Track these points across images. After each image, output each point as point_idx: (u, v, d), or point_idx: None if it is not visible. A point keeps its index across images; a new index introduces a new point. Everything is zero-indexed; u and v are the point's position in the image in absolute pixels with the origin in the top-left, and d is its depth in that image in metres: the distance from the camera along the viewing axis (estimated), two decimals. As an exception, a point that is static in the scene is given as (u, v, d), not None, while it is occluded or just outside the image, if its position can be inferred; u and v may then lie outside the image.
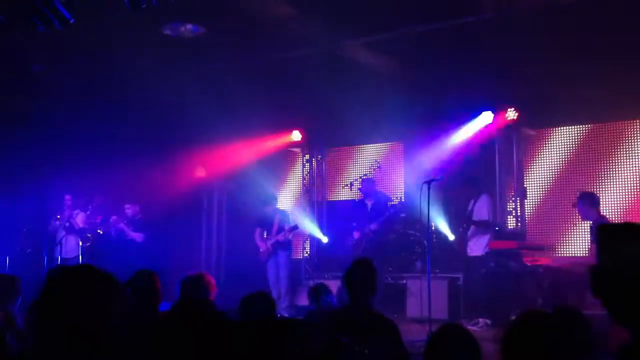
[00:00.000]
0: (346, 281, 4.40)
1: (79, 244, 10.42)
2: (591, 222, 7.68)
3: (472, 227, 8.68)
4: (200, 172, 12.37)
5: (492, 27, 7.75)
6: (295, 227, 9.94)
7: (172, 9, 7.22)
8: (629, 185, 9.43)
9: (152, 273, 4.58)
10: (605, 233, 2.28)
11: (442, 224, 9.53)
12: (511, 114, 9.66)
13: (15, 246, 10.74)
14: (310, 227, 11.16)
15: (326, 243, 11.33)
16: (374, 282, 4.37)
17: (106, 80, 9.77)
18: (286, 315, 9.67)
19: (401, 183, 11.32)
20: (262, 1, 7.50)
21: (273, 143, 11.66)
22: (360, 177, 10.41)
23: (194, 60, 9.38)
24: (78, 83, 9.66)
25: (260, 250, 10.03)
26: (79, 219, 10.66)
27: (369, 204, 9.75)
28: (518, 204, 9.94)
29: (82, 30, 7.55)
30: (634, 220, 8.87)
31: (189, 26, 8.04)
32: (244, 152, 11.47)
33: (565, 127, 10.08)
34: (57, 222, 10.58)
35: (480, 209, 8.66)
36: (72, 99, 10.09)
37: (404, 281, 9.60)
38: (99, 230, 10.67)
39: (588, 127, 9.94)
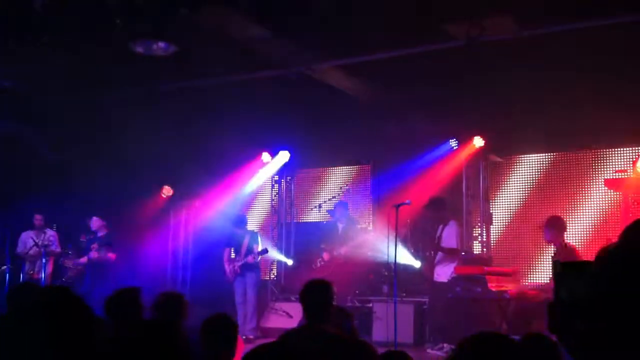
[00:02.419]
0: (302, 302, 4.31)
1: (47, 263, 10.19)
2: (555, 247, 7.78)
3: (440, 254, 8.72)
4: (167, 192, 12.26)
5: (461, 55, 7.87)
6: (265, 251, 9.89)
7: (144, 26, 7.19)
8: (593, 212, 9.59)
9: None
10: (560, 268, 2.30)
11: (409, 250, 9.56)
12: (478, 142, 9.79)
13: None
14: (275, 252, 11.11)
15: (293, 265, 11.28)
16: (330, 303, 4.28)
17: (76, 95, 9.65)
18: (252, 337, 9.58)
19: (369, 206, 11.35)
20: (235, 21, 7.51)
21: (244, 165, 11.62)
22: (331, 201, 10.42)
23: (165, 78, 9.33)
24: (48, 98, 9.53)
25: (227, 272, 9.93)
26: (53, 239, 10.48)
27: (340, 226, 9.75)
28: (484, 229, 10.04)
29: (53, 46, 7.48)
30: (597, 247, 9.03)
31: (161, 44, 8.00)
32: (215, 173, 11.41)
33: (531, 155, 10.24)
34: (32, 243, 10.29)
35: (449, 236, 8.72)
36: (41, 120, 9.96)
37: (370, 304, 9.59)
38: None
39: (553, 155, 10.11)
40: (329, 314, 4.26)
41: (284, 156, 11.36)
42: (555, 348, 2.56)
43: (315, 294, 4.29)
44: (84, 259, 10.39)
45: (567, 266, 2.31)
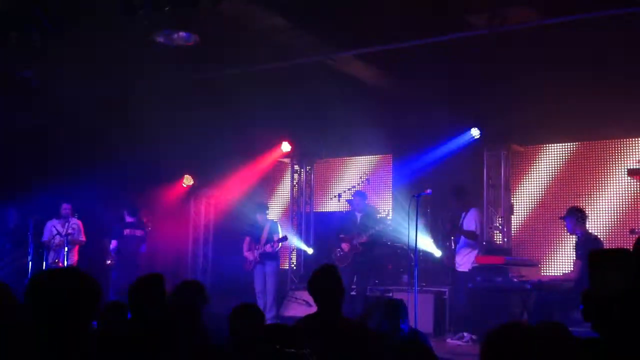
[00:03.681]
0: (312, 289, 4.30)
1: (70, 252, 10.31)
2: (577, 237, 7.73)
3: (462, 241, 8.68)
4: (188, 181, 12.35)
5: (483, 43, 7.82)
6: (284, 239, 9.91)
7: (165, 17, 7.23)
8: (616, 202, 9.50)
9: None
10: (596, 259, 2.30)
11: (429, 238, 9.54)
12: (499, 131, 9.72)
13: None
14: (295, 239, 11.14)
15: (313, 254, 11.31)
16: (341, 288, 4.25)
17: (98, 88, 9.74)
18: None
19: (389, 196, 11.34)
20: (255, 12, 7.52)
21: (264, 154, 11.67)
22: (350, 190, 10.41)
23: (186, 69, 9.38)
24: (71, 91, 9.62)
25: (248, 260, 9.99)
26: (77, 228, 10.60)
27: (359, 216, 9.75)
28: (505, 219, 9.99)
29: (74, 38, 7.54)
30: (619, 237, 8.96)
31: (182, 34, 8.04)
32: (235, 162, 11.47)
33: (553, 145, 10.16)
34: (56, 232, 10.40)
35: (469, 222, 8.69)
36: (65, 105, 10.04)
37: (391, 294, 9.58)
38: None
39: (576, 145, 10.02)
40: (339, 300, 4.22)
41: (303, 146, 11.37)
42: (571, 338, 2.56)
43: (328, 281, 4.27)
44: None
45: (602, 256, 2.31)
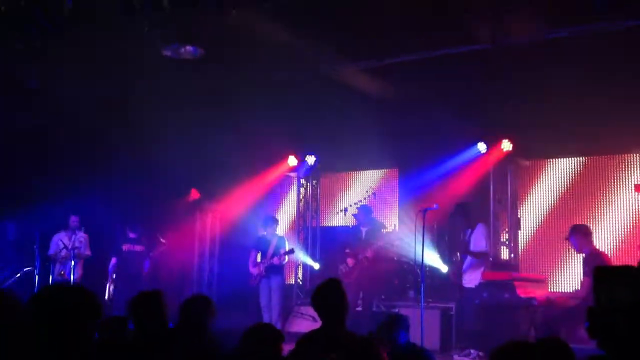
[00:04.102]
0: (315, 304, 4.26)
1: (76, 266, 10.27)
2: (584, 254, 7.66)
3: (469, 258, 8.61)
4: (194, 195, 12.35)
5: (487, 57, 7.81)
6: (292, 251, 9.89)
7: (171, 30, 7.26)
8: (623, 217, 9.44)
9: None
10: (603, 275, 2.27)
11: (436, 253, 9.49)
12: (506, 145, 9.69)
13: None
14: (301, 254, 11.11)
15: (319, 269, 11.26)
16: (345, 303, 4.21)
17: (105, 102, 9.76)
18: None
19: (395, 211, 11.30)
20: (260, 24, 7.54)
21: (270, 168, 11.66)
22: (356, 204, 10.39)
23: (193, 82, 9.40)
24: (72, 94, 9.63)
25: (252, 275, 9.93)
26: (83, 241, 10.55)
27: (364, 230, 9.71)
28: (512, 234, 9.92)
29: (75, 39, 7.55)
30: (627, 253, 8.88)
31: (189, 48, 8.07)
32: (241, 176, 11.47)
33: (560, 159, 10.11)
34: (62, 245, 10.36)
35: (478, 239, 8.60)
36: (66, 108, 10.05)
37: (397, 310, 9.52)
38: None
39: (583, 159, 9.97)
40: (344, 314, 4.18)
41: (309, 160, 11.37)
42: (572, 355, 2.52)
43: (325, 297, 4.24)
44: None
45: (608, 272, 2.28)
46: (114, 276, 10.34)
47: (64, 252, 10.29)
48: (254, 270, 9.95)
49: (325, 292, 4.26)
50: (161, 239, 10.70)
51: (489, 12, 7.06)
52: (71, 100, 9.51)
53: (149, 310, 4.31)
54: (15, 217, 11.06)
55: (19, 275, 10.40)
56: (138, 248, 10.40)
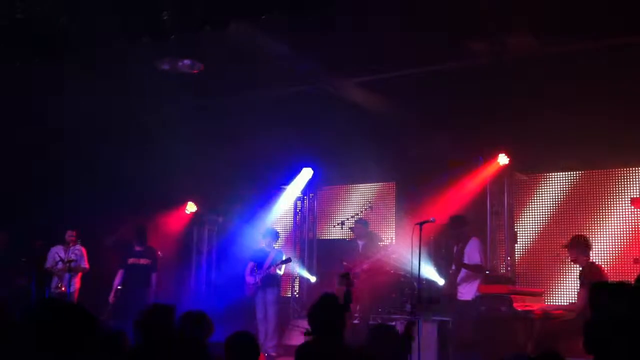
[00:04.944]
0: (311, 321, 4.25)
1: (73, 279, 10.23)
2: (580, 266, 7.68)
3: (463, 271, 8.63)
4: (191, 207, 12.34)
5: (485, 72, 7.86)
6: (289, 260, 9.88)
7: (169, 44, 7.29)
8: (619, 231, 9.45)
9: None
10: (598, 291, 2.30)
11: (432, 267, 9.48)
12: (503, 159, 9.72)
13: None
14: (298, 267, 11.09)
15: (315, 282, 11.25)
16: (342, 319, 4.20)
17: (102, 115, 9.79)
18: (274, 354, 9.55)
19: (392, 224, 11.31)
20: (259, 39, 7.58)
21: (267, 180, 11.67)
22: (353, 218, 10.39)
23: (191, 96, 9.44)
24: (75, 117, 9.68)
25: (249, 284, 9.93)
26: (80, 255, 10.50)
27: (361, 243, 9.71)
28: (509, 248, 9.93)
29: (79, 64, 7.60)
30: (623, 267, 8.89)
31: (186, 61, 8.11)
32: (238, 188, 11.48)
33: (556, 173, 10.14)
34: (58, 258, 10.31)
35: (472, 253, 8.63)
36: (65, 135, 10.10)
37: (394, 323, 9.49)
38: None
39: (579, 174, 10.00)
40: (340, 330, 4.17)
41: (307, 173, 11.38)
42: None
43: (320, 313, 4.24)
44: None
45: (604, 287, 2.30)
46: (119, 288, 10.27)
47: (60, 265, 10.26)
48: (250, 279, 9.95)
49: (321, 309, 4.25)
50: (157, 252, 10.66)
51: (487, 29, 7.12)
52: (69, 115, 9.56)
53: (160, 322, 4.26)
54: (13, 230, 11.01)
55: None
56: (143, 261, 10.30)
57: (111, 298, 10.08)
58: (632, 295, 2.15)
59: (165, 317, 4.35)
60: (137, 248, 10.35)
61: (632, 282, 2.38)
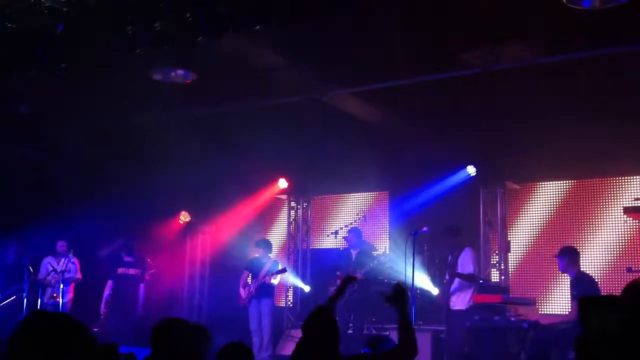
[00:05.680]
0: (305, 335, 4.23)
1: (66, 289, 10.19)
2: (570, 276, 7.70)
3: (457, 280, 8.64)
4: (184, 217, 12.33)
5: (479, 81, 7.88)
6: (284, 270, 9.85)
7: (163, 55, 7.29)
8: (612, 240, 9.48)
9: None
10: (589, 305, 2.30)
11: (426, 276, 9.48)
12: (495, 169, 9.75)
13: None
14: (291, 277, 11.06)
15: (309, 291, 11.23)
16: (335, 333, 4.20)
17: (95, 124, 9.78)
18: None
19: (386, 233, 11.31)
20: (252, 49, 7.59)
21: (260, 190, 11.66)
22: (346, 227, 10.39)
23: (184, 106, 9.44)
24: (68, 128, 9.66)
25: (242, 296, 9.88)
26: (73, 265, 10.46)
27: (354, 253, 9.71)
28: (502, 257, 9.95)
29: (72, 75, 7.59)
30: (616, 276, 8.91)
31: (180, 71, 8.10)
32: (232, 198, 11.46)
33: (549, 182, 10.18)
34: (51, 269, 10.27)
35: (466, 262, 8.64)
36: (61, 146, 10.08)
37: (387, 332, 9.48)
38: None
39: (572, 183, 10.04)
40: (334, 344, 4.16)
41: (300, 182, 11.38)
42: None
43: (314, 328, 4.22)
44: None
45: (594, 302, 2.30)
46: (109, 299, 10.23)
47: (52, 276, 10.23)
48: (242, 292, 9.90)
49: (314, 323, 4.24)
50: (148, 260, 10.64)
51: (479, 38, 7.14)
52: (68, 130, 9.58)
53: (173, 337, 4.16)
54: (12, 242, 11.02)
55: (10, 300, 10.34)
56: (133, 272, 10.28)
57: (102, 309, 10.06)
58: (622, 311, 2.16)
59: (177, 332, 4.27)
60: (127, 258, 10.34)
61: (619, 293, 2.38)
